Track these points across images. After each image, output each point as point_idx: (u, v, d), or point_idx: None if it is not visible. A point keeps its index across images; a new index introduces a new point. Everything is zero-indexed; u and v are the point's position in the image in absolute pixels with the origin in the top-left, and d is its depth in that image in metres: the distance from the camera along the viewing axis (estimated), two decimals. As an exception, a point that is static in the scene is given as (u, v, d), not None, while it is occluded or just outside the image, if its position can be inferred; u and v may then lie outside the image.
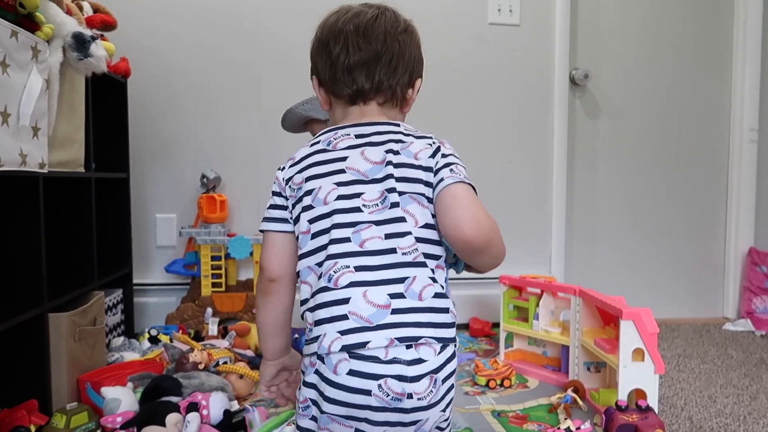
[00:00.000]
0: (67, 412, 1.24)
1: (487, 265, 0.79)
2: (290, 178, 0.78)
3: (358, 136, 0.78)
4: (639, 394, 1.40)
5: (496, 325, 1.97)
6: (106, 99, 1.80)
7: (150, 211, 2.17)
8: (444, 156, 0.77)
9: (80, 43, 1.30)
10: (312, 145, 0.80)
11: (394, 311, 0.69)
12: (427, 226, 0.73)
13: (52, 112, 1.30)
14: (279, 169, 0.81)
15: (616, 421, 1.28)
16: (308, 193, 0.76)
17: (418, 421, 0.70)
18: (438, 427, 0.75)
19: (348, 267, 0.70)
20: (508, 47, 2.35)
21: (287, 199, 0.79)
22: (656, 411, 1.35)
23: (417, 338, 0.69)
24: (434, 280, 0.72)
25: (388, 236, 0.71)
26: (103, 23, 1.68)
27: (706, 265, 2.61)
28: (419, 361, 0.69)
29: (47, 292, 1.29)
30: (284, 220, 0.79)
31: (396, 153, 0.76)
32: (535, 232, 2.39)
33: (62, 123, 1.39)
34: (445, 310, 0.72)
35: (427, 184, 0.75)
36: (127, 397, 1.33)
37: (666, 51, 2.51)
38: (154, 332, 1.83)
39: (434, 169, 0.76)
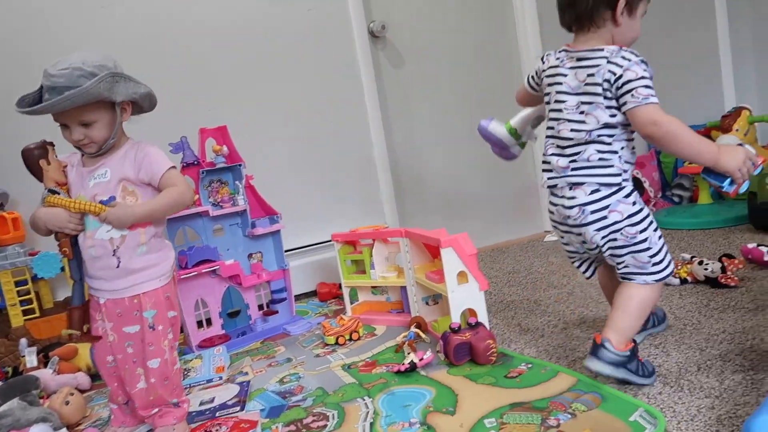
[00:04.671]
0: None
1: (680, 154, 1.11)
2: (541, 77, 1.26)
3: (578, 59, 1.17)
4: (471, 313, 1.49)
5: (341, 284, 1.98)
6: None
7: (-72, 248, 1.86)
8: (627, 82, 1.08)
9: None
10: (556, 57, 1.22)
11: (573, 170, 1.16)
12: (605, 126, 1.13)
13: None
14: (541, 60, 1.27)
15: (451, 342, 1.36)
16: (547, 94, 1.23)
17: (581, 234, 1.19)
18: (611, 239, 1.16)
19: (553, 144, 1.21)
20: (302, 7, 2.31)
21: (538, 84, 1.30)
22: (486, 324, 1.45)
23: (580, 183, 1.15)
24: (600, 151, 1.14)
25: (572, 130, 1.16)
26: None
27: (522, 187, 2.85)
28: (573, 198, 1.16)
29: None
30: (531, 87, 1.33)
31: (592, 75, 1.13)
32: (364, 186, 2.43)
33: None
34: (609, 166, 1.14)
35: (606, 97, 1.12)
36: (-76, 459, 1.15)
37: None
38: (-41, 381, 1.59)
39: (618, 93, 1.10)
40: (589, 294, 1.76)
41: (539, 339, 1.46)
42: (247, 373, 1.54)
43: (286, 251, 2.02)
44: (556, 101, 1.19)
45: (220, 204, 1.85)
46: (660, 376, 1.15)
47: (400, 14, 2.53)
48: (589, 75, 1.13)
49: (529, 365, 1.30)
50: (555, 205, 1.21)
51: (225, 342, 1.76)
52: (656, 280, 1.15)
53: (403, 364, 1.37)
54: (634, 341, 1.15)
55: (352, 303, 1.89)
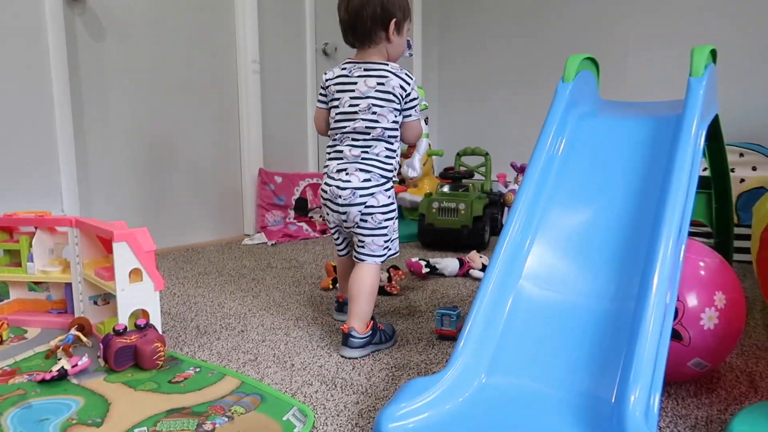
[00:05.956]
0: None
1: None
2: (328, 86, 1.43)
3: (365, 69, 1.39)
4: (143, 314, 1.38)
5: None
6: None
7: None
8: (413, 99, 1.41)
9: None
10: (342, 68, 1.42)
11: (362, 159, 1.38)
12: (393, 126, 1.40)
13: None
14: (324, 74, 1.45)
15: (113, 346, 1.23)
16: (337, 99, 1.41)
17: (345, 212, 1.40)
18: (363, 220, 1.39)
19: (348, 137, 1.40)
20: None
21: (326, 96, 1.44)
22: (159, 327, 1.36)
23: (366, 170, 1.38)
24: (387, 148, 1.40)
25: (367, 127, 1.38)
26: None
27: (227, 189, 2.81)
28: (348, 181, 1.38)
29: None
30: (324, 103, 1.46)
31: (382, 84, 1.38)
32: (39, 168, 2.09)
33: None
34: (389, 163, 1.40)
35: (396, 104, 1.39)
36: None
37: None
38: None
39: (405, 105, 1.41)
40: (273, 298, 1.80)
41: (215, 342, 1.43)
42: None
43: None
44: (350, 105, 1.38)
45: None
46: (319, 375, 1.22)
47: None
48: (378, 83, 1.37)
49: (197, 369, 1.25)
50: (329, 185, 1.40)
51: None
52: (382, 261, 1.42)
53: (51, 371, 1.19)
54: (373, 318, 1.39)
55: (0, 301, 1.59)
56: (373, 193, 1.38)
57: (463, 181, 2.74)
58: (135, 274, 1.36)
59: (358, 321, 1.35)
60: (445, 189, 2.68)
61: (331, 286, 1.87)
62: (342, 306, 1.57)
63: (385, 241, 1.41)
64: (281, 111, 3.01)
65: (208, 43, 2.66)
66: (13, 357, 1.33)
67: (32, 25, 2.05)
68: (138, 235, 1.36)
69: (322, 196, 1.45)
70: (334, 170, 1.40)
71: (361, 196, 1.37)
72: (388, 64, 1.40)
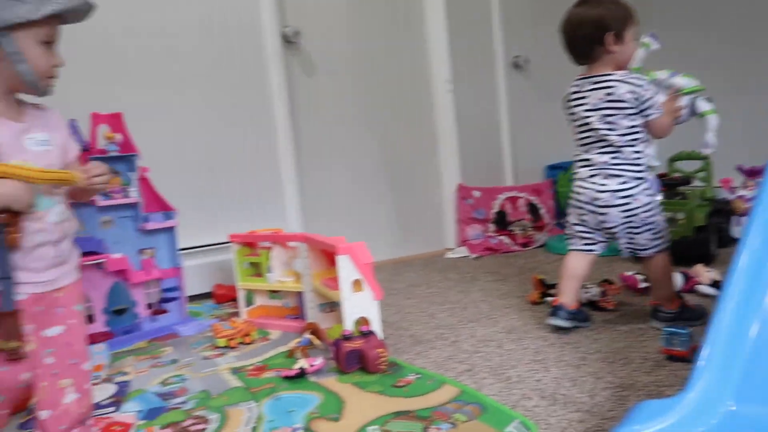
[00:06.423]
0: None
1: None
2: (567, 104, 1.53)
3: (594, 83, 1.46)
4: (365, 321, 1.49)
5: (239, 286, 1.93)
6: None
7: None
8: (647, 99, 1.42)
9: None
10: (575, 85, 1.51)
11: (611, 165, 1.46)
12: (630, 131, 1.45)
13: None
14: (564, 100, 1.55)
15: (342, 349, 1.35)
16: (573, 113, 1.51)
17: (604, 213, 1.48)
18: (630, 220, 1.48)
19: (594, 146, 1.49)
20: (215, 8, 2.27)
21: (568, 113, 1.54)
22: (379, 333, 1.46)
23: (616, 175, 1.46)
24: (633, 151, 1.45)
25: (605, 136, 1.46)
26: None
27: (429, 204, 2.92)
28: (604, 185, 1.47)
29: None
30: (569, 119, 1.55)
31: (610, 93, 1.43)
32: (267, 190, 2.39)
33: None
34: (638, 164, 1.46)
35: (627, 108, 1.43)
36: None
37: (366, 8, 2.69)
38: None
39: (642, 107, 1.43)
40: (481, 310, 1.82)
41: (430, 350, 1.49)
42: (127, 373, 1.46)
43: (183, 250, 1.94)
44: (586, 118, 1.47)
45: (110, 194, 1.75)
46: (537, 390, 1.21)
47: (315, 22, 2.53)
48: (607, 94, 1.43)
49: (418, 375, 1.32)
50: (585, 189, 1.50)
51: (107, 340, 1.65)
52: (662, 249, 1.51)
53: (293, 369, 1.35)
54: (681, 298, 1.53)
55: (248, 306, 1.84)
56: (633, 195, 1.45)
57: (680, 188, 2.51)
58: (356, 285, 1.48)
59: (663, 300, 1.51)
60: (659, 198, 2.46)
61: (539, 300, 1.84)
62: (557, 311, 1.52)
63: (653, 234, 1.49)
64: (476, 127, 3.04)
65: (403, 68, 2.80)
66: (262, 355, 1.53)
67: (258, 66, 2.36)
68: (357, 248, 1.48)
69: (575, 199, 1.54)
70: (586, 176, 1.50)
71: (620, 198, 1.45)
72: (614, 74, 1.44)
